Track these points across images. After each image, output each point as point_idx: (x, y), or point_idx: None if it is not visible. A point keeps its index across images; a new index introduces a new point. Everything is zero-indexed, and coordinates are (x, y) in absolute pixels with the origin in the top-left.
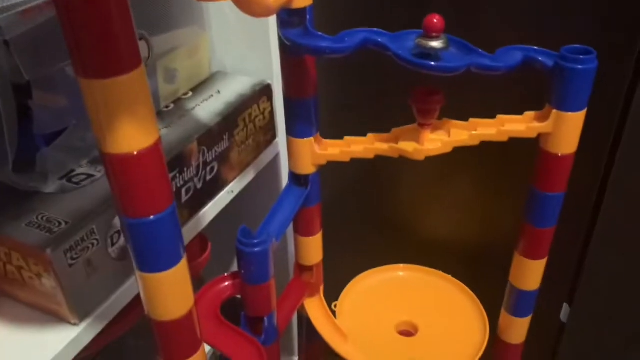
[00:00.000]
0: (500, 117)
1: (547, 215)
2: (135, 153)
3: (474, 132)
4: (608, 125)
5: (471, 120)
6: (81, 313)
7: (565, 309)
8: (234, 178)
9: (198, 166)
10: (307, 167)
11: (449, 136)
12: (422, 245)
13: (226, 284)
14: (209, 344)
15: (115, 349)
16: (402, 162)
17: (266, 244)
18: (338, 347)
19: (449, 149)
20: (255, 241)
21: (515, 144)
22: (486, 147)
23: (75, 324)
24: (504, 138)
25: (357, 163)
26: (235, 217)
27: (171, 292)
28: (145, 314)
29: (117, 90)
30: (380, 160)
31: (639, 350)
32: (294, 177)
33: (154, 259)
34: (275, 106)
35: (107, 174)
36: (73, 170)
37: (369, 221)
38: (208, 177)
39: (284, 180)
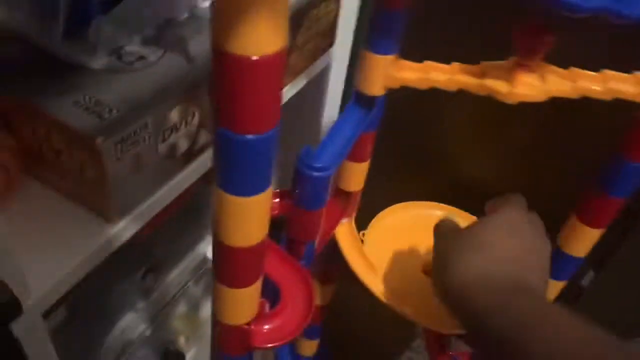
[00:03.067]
0: (605, 72)
1: (627, 186)
2: (261, 57)
3: (576, 84)
4: None
5: (571, 69)
6: (122, 210)
7: (589, 275)
8: (287, 84)
9: None
10: (377, 88)
11: (547, 83)
12: (464, 188)
13: (275, 200)
14: None
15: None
16: (462, 97)
17: (329, 169)
18: (363, 276)
19: (545, 98)
20: (319, 165)
21: (592, 104)
22: (555, 101)
23: (114, 221)
24: (609, 96)
25: (411, 90)
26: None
27: (255, 219)
28: (219, 240)
29: None
30: (438, 92)
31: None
32: (359, 98)
33: (249, 181)
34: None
35: (218, 77)
36: (122, 47)
37: (413, 153)
38: None
39: (331, 94)
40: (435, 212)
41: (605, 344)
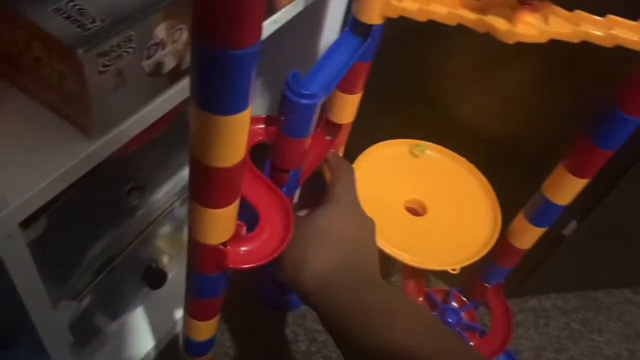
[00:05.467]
0: (611, 17)
1: (615, 137)
2: None
3: (577, 28)
4: None
5: (576, 12)
6: (102, 126)
7: (572, 224)
8: (283, 7)
9: None
10: (374, 17)
11: (549, 24)
12: (455, 129)
13: (260, 126)
14: None
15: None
16: (463, 32)
17: (317, 98)
18: None
19: (545, 39)
20: (307, 92)
21: (591, 54)
22: (558, 46)
23: (94, 137)
24: (611, 43)
25: (411, 22)
26: (269, 53)
27: (234, 138)
28: (195, 159)
29: None
30: (437, 28)
31: (612, 273)
32: (355, 25)
33: (229, 100)
34: None
35: None
36: None
37: (406, 89)
38: None
39: (329, 20)
40: (426, 151)
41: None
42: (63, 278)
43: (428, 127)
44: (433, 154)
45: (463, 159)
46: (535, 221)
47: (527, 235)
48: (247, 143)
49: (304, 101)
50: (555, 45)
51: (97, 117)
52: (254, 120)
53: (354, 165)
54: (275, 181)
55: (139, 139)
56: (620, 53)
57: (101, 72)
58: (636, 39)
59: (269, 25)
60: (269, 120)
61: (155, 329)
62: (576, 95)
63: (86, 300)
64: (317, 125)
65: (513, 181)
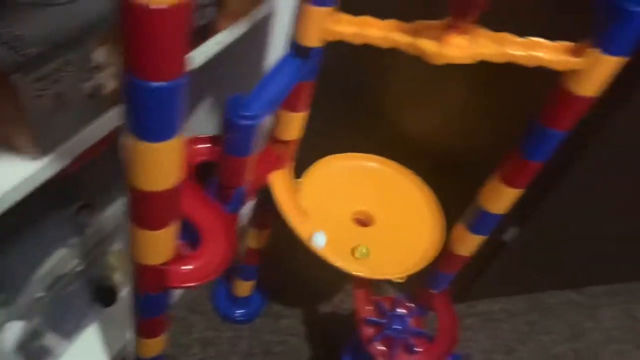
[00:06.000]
0: (532, 39)
1: (544, 151)
2: (167, 6)
3: (502, 50)
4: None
5: (501, 34)
6: (44, 147)
7: (512, 230)
8: (225, 28)
9: (196, 7)
10: (314, 40)
11: (476, 47)
12: (400, 142)
13: (206, 145)
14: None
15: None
16: (401, 53)
17: (258, 119)
18: (292, 221)
19: (471, 61)
20: (248, 114)
21: (524, 71)
22: (492, 66)
23: (37, 158)
24: (532, 64)
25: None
26: (215, 74)
27: (166, 163)
28: (129, 182)
29: None
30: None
31: (556, 276)
32: (296, 48)
33: (157, 128)
34: None
35: (126, 27)
36: None
37: (352, 106)
38: (201, 22)
39: (272, 44)
40: (370, 163)
41: None
42: (9, 299)
43: (374, 141)
44: (380, 166)
45: (409, 171)
46: (474, 229)
47: (467, 243)
48: (192, 160)
49: (245, 122)
50: (490, 65)
51: (37, 139)
52: (200, 140)
53: (303, 179)
54: (221, 198)
55: (86, 157)
56: (547, 72)
57: (38, 96)
58: (554, 58)
59: (212, 46)
60: (214, 140)
61: (108, 347)
62: (511, 111)
63: (35, 320)
64: (267, 143)
65: (456, 192)
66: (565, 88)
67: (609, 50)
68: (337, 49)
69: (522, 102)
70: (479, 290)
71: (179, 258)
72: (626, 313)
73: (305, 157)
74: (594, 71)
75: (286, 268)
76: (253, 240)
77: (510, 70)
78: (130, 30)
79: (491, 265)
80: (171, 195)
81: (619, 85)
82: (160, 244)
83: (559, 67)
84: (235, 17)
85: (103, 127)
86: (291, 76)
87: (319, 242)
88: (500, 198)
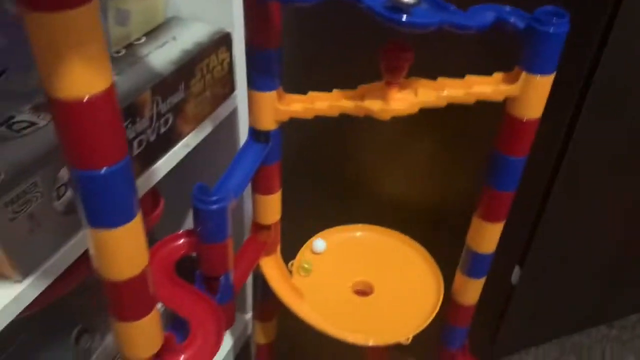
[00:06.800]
0: (468, 77)
1: (509, 179)
2: (87, 98)
3: (441, 94)
4: (571, 91)
5: (439, 79)
6: (24, 269)
7: (516, 271)
8: (190, 131)
9: (151, 117)
10: (268, 123)
11: (416, 96)
12: (381, 206)
13: (181, 241)
14: (162, 302)
15: (60, 307)
16: (365, 120)
17: (224, 201)
18: (294, 305)
19: (415, 110)
20: (213, 198)
21: (480, 106)
22: (450, 108)
23: (18, 281)
24: (471, 100)
25: (318, 119)
26: (191, 173)
27: (125, 250)
28: (95, 272)
29: (67, 25)
30: (343, 118)
31: (582, 313)
32: (254, 133)
33: (106, 214)
34: (234, 57)
35: (55, 122)
36: (13, 117)
37: (328, 180)
38: (162, 130)
39: (242, 136)
40: (358, 233)
41: None
42: None
43: (357, 210)
44: (368, 234)
45: (397, 233)
46: (472, 274)
47: (469, 290)
48: (171, 257)
49: (213, 207)
50: (449, 109)
51: (16, 262)
52: (177, 236)
53: (295, 262)
54: (208, 290)
55: (74, 278)
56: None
57: (12, 219)
58: (490, 91)
59: (180, 150)
60: (188, 234)
61: None
62: (478, 147)
63: None
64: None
65: (449, 244)
66: (510, 114)
67: (538, 71)
68: (300, 128)
69: (485, 136)
70: (505, 344)
71: (170, 350)
72: None
73: (294, 237)
74: (530, 93)
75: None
76: (260, 335)
77: (462, 108)
78: (58, 123)
79: (508, 313)
80: (139, 282)
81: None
82: (142, 335)
83: (499, 97)
84: (197, 120)
85: (83, 243)
86: (253, 160)
87: (318, 248)
88: (485, 236)
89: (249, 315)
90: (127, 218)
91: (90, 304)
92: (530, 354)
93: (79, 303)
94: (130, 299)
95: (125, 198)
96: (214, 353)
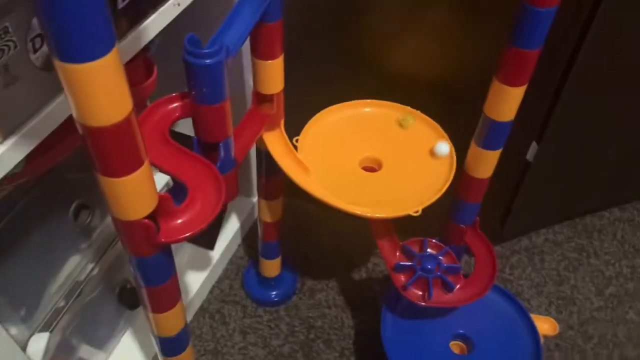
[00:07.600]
0: None
1: (535, 35)
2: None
3: None
4: None
5: None
6: (4, 128)
7: (533, 147)
8: None
9: None
10: None
11: None
12: (390, 80)
13: (175, 104)
14: (157, 166)
15: (58, 182)
16: None
17: (219, 54)
18: (300, 180)
19: None
20: (207, 51)
21: None
22: None
23: None
24: None
25: None
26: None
27: (104, 88)
28: (76, 123)
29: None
30: None
31: (596, 194)
32: None
33: (76, 43)
34: None
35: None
36: None
37: (335, 53)
38: None
39: None
40: (366, 109)
41: None
42: (28, 313)
43: (364, 84)
44: (377, 109)
45: (408, 108)
46: (487, 145)
47: (484, 163)
48: (164, 121)
49: (207, 61)
50: None
51: None
52: (169, 100)
53: (302, 133)
54: (207, 158)
55: (66, 149)
56: None
57: None
58: None
59: (170, 9)
60: (183, 96)
61: (145, 352)
62: (496, 12)
63: (61, 332)
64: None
65: (461, 117)
66: None
67: None
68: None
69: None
70: (517, 224)
71: (168, 212)
72: None
73: (299, 113)
74: None
75: (309, 242)
76: (266, 214)
77: None
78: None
79: (521, 190)
80: (123, 131)
81: None
82: (135, 192)
83: None
84: None
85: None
86: (252, 13)
87: (442, 150)
88: (506, 101)
89: (255, 199)
90: (101, 50)
91: (90, 181)
92: (541, 235)
93: (78, 179)
94: (114, 149)
95: (97, 24)
96: (213, 213)
